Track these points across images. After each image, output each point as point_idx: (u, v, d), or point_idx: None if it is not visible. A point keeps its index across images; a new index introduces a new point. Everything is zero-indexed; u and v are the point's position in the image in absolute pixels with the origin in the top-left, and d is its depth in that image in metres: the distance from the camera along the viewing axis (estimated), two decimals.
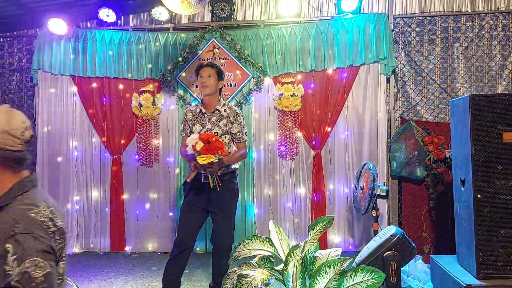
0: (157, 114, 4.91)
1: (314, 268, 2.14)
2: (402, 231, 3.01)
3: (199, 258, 4.51)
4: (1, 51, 5.35)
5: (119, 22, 5.01)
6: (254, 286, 1.99)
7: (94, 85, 4.99)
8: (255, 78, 4.81)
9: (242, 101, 4.84)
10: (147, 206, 4.97)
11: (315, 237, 2.18)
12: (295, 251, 2.10)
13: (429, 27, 4.74)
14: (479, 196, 2.78)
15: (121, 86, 4.97)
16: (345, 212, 4.74)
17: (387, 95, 4.70)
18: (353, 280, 1.95)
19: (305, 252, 2.11)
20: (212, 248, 3.24)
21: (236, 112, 3.18)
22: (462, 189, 2.99)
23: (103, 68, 4.96)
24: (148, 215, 4.96)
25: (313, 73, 4.73)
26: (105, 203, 5.00)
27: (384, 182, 4.47)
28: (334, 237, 4.74)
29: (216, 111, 3.15)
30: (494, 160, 2.79)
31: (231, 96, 4.84)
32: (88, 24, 5.19)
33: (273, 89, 4.79)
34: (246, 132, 3.21)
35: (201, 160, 2.77)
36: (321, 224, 2.23)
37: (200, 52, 4.86)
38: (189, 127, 3.19)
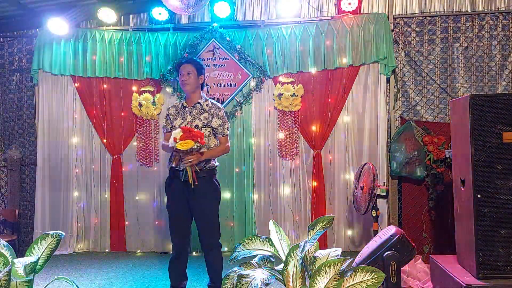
0: (157, 114, 4.91)
1: (314, 268, 2.14)
2: (402, 231, 3.01)
3: (198, 258, 4.51)
4: (1, 51, 5.35)
5: (119, 22, 5.00)
6: (254, 286, 1.99)
7: (94, 85, 4.98)
8: (255, 78, 4.81)
9: (242, 101, 4.84)
10: (147, 206, 4.97)
11: (315, 237, 2.18)
12: (295, 251, 2.10)
13: (429, 27, 4.74)
14: (479, 196, 2.78)
15: (121, 86, 4.97)
16: (345, 212, 4.73)
17: (387, 95, 4.70)
18: (353, 280, 1.95)
19: (305, 252, 2.11)
20: (201, 247, 3.26)
21: (218, 107, 3.22)
22: (462, 189, 2.99)
23: (103, 68, 4.95)
24: (148, 215, 4.96)
25: (313, 73, 4.73)
26: (105, 203, 5.00)
27: (384, 182, 4.47)
28: (334, 237, 4.73)
29: (197, 105, 3.19)
30: (494, 160, 2.78)
31: (231, 96, 4.84)
32: (88, 24, 5.19)
33: (273, 89, 4.79)
34: (228, 127, 3.23)
35: (181, 146, 2.82)
36: (321, 224, 2.23)
37: (200, 52, 4.87)
38: (171, 122, 3.23)
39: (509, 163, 2.78)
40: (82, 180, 5.03)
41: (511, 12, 4.62)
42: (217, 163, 3.24)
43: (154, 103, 4.85)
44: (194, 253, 4.76)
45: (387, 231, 3.06)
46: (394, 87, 4.76)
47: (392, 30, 4.68)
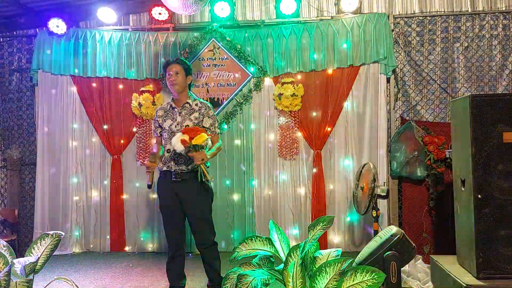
0: None
1: (314, 268, 2.14)
2: (402, 231, 3.01)
3: (198, 258, 4.50)
4: (1, 51, 5.35)
5: (119, 22, 5.00)
6: (254, 286, 1.99)
7: (94, 85, 4.98)
8: (255, 78, 4.81)
9: (242, 101, 4.83)
10: (147, 206, 4.96)
11: (315, 237, 2.18)
12: (295, 251, 2.10)
13: (429, 27, 4.74)
14: (479, 196, 2.78)
15: (121, 86, 4.97)
16: (345, 212, 4.73)
17: (387, 95, 4.69)
18: (353, 280, 1.95)
19: (305, 252, 2.11)
20: (196, 247, 3.26)
21: (207, 106, 3.21)
22: (462, 189, 2.99)
23: (103, 68, 4.95)
24: (148, 215, 4.96)
25: (313, 73, 4.73)
26: (105, 203, 5.00)
27: (384, 182, 4.46)
28: (334, 237, 4.73)
29: (186, 105, 3.18)
30: (494, 160, 2.78)
31: (231, 96, 4.84)
32: (88, 24, 5.19)
33: (273, 89, 4.78)
34: (218, 126, 3.24)
35: (196, 141, 2.84)
36: (321, 224, 2.23)
37: (200, 52, 4.86)
38: (159, 125, 3.22)
39: (509, 163, 2.77)
40: (81, 180, 5.02)
41: (511, 12, 4.62)
42: (208, 164, 3.24)
43: (154, 103, 4.85)
44: (193, 253, 4.77)
45: (387, 231, 3.06)
46: (395, 87, 4.76)
47: (392, 30, 4.67)
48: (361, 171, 3.96)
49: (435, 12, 4.73)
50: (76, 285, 2.08)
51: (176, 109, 3.19)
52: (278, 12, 4.82)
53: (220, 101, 4.86)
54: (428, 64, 4.74)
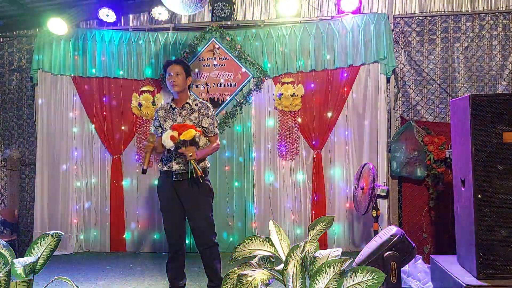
0: None
1: (314, 268, 2.14)
2: (402, 231, 3.01)
3: (198, 258, 4.50)
4: (1, 51, 5.34)
5: (119, 22, 5.00)
6: (254, 286, 1.98)
7: (94, 85, 4.98)
8: (255, 78, 4.81)
9: (242, 101, 4.84)
10: (147, 206, 4.96)
11: (315, 237, 2.18)
12: (295, 251, 2.10)
13: (429, 27, 4.74)
14: (479, 196, 2.77)
15: (121, 86, 4.96)
16: (345, 212, 4.73)
17: (387, 95, 4.69)
18: (353, 280, 1.95)
19: (305, 252, 2.11)
20: (197, 247, 3.25)
21: (207, 106, 3.23)
22: (462, 189, 2.98)
23: (103, 68, 4.95)
24: (148, 215, 4.96)
25: (313, 73, 4.73)
26: (105, 203, 5.00)
27: (384, 182, 4.47)
28: (334, 237, 4.73)
29: (186, 105, 3.19)
30: (494, 160, 2.78)
31: (231, 96, 4.84)
32: (88, 24, 5.19)
33: (273, 89, 4.78)
34: (217, 126, 3.26)
35: (185, 136, 2.89)
36: (321, 224, 2.23)
37: (200, 52, 4.86)
38: (160, 125, 3.23)
39: (509, 163, 2.77)
40: (82, 180, 5.02)
41: (511, 12, 4.62)
42: (209, 164, 3.26)
43: (154, 103, 4.85)
44: (193, 253, 4.76)
45: (388, 231, 3.06)
46: (395, 87, 4.76)
47: (392, 30, 4.67)
48: (361, 171, 3.96)
49: (435, 12, 4.73)
50: (76, 285, 2.08)
51: (176, 109, 3.20)
52: (278, 12, 4.82)
53: (220, 101, 4.86)
54: (428, 64, 4.74)
